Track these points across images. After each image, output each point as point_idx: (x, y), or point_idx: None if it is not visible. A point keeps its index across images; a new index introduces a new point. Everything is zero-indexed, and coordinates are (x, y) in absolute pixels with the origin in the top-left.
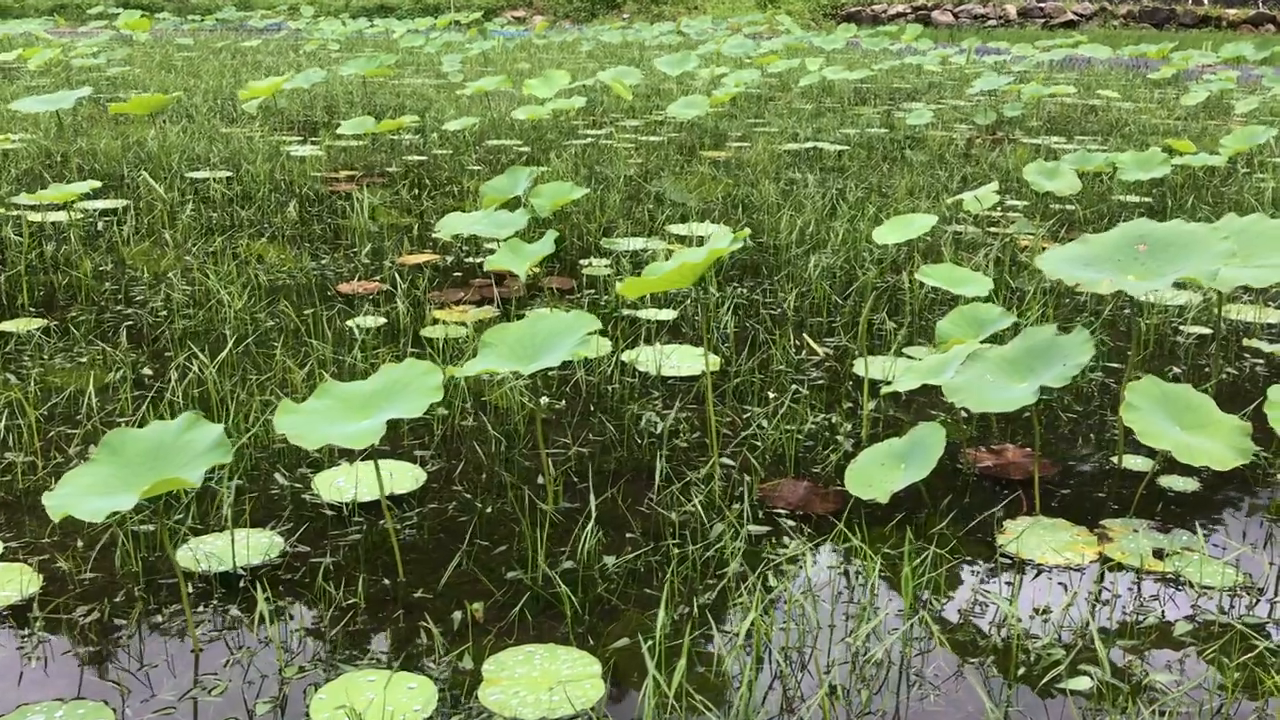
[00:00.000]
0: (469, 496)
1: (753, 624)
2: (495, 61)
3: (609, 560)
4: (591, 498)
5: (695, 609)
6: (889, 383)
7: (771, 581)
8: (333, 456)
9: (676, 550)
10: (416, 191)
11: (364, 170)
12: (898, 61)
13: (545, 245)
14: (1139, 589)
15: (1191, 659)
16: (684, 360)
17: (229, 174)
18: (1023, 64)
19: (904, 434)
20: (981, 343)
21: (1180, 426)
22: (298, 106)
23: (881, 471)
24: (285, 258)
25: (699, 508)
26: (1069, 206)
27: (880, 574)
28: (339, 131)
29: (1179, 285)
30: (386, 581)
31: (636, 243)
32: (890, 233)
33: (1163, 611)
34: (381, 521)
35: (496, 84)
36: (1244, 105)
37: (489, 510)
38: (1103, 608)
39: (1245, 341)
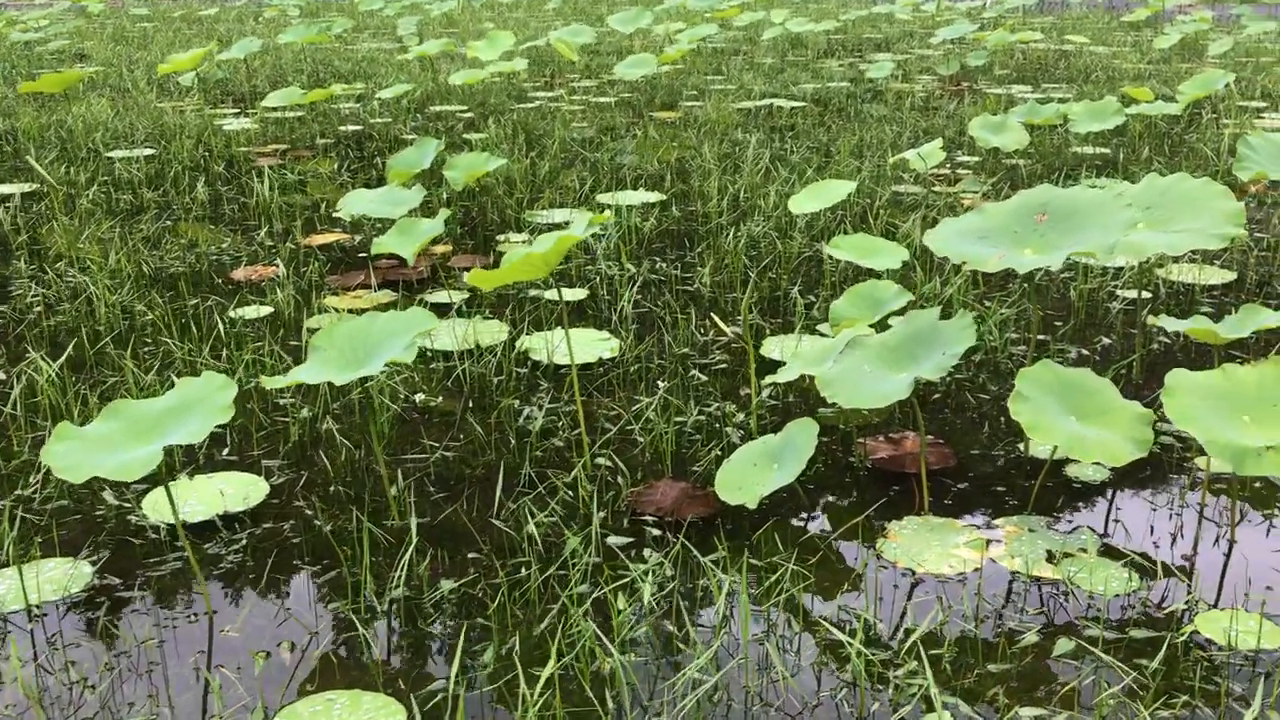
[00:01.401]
0: (310, 513)
1: (579, 653)
2: (459, 22)
3: (446, 585)
4: (416, 517)
5: (518, 641)
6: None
7: (620, 604)
8: (170, 472)
9: (526, 570)
10: (341, 164)
11: (292, 144)
12: (866, 11)
13: (435, 226)
14: (1023, 600)
15: (1060, 689)
16: (584, 345)
17: (151, 152)
18: (997, 8)
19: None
20: (875, 324)
21: (1076, 416)
22: (240, 77)
23: (754, 473)
24: (184, 241)
25: (554, 517)
26: (1022, 162)
27: (743, 590)
28: (264, 104)
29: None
30: (193, 616)
31: (560, 215)
32: (808, 200)
33: (1044, 627)
34: (209, 545)
35: (440, 47)
36: (1218, 47)
37: (329, 528)
38: (981, 623)
39: (1150, 320)
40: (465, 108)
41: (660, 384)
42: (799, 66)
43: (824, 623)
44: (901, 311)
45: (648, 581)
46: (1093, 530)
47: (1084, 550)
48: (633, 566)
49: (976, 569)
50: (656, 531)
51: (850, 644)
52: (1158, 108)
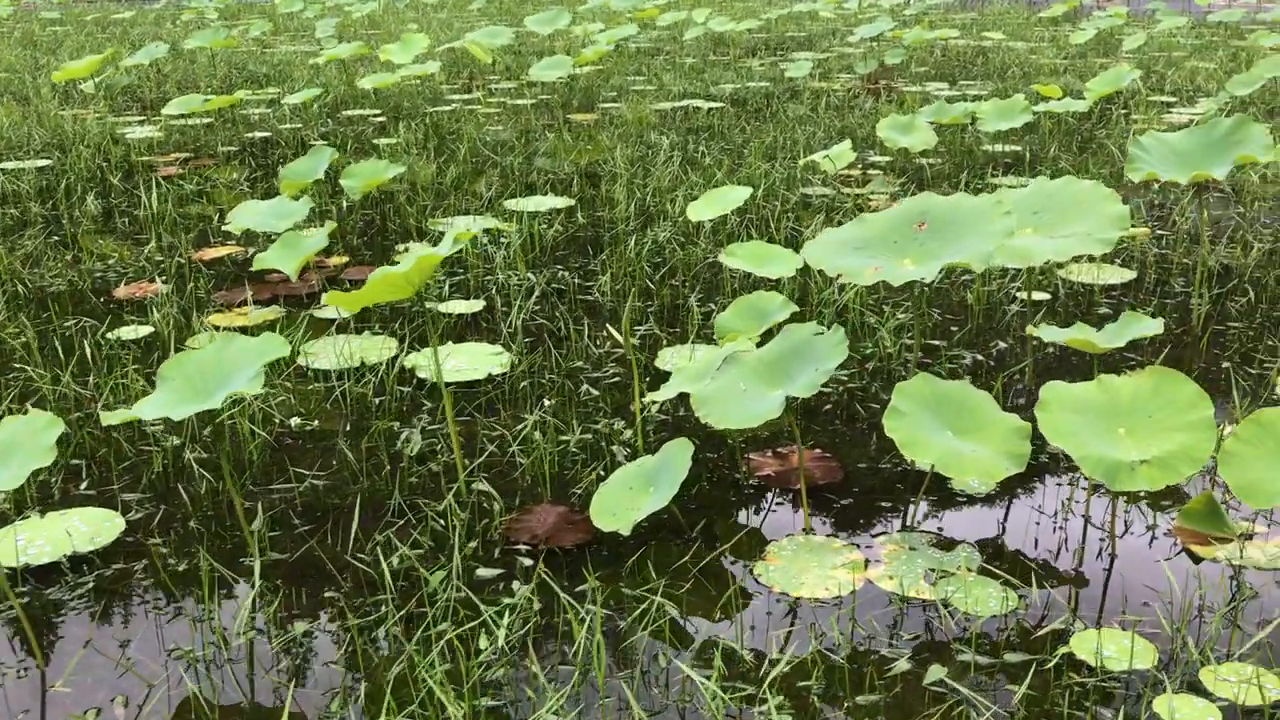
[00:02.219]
0: (165, 551)
1: (422, 702)
2: (381, 24)
3: (299, 627)
4: (278, 552)
5: (362, 691)
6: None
7: (483, 643)
8: (19, 508)
9: (386, 609)
10: (242, 173)
11: (196, 152)
12: (788, 9)
13: (318, 240)
14: (899, 624)
15: None
16: (475, 361)
17: (46, 162)
18: (919, 5)
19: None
20: (762, 337)
21: (954, 431)
22: (148, 83)
23: (628, 497)
24: (68, 258)
25: (421, 549)
26: (933, 161)
27: (597, 627)
28: (165, 111)
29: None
30: (22, 672)
31: (464, 222)
32: (705, 208)
33: (917, 653)
34: (51, 590)
35: (352, 50)
36: (1132, 41)
37: (181, 568)
38: (853, 651)
39: (1030, 330)
40: (379, 112)
41: (546, 401)
42: (721, 66)
43: (684, 659)
44: (796, 321)
45: (501, 625)
46: (974, 547)
47: (964, 568)
48: (483, 607)
49: (854, 591)
50: (529, 561)
51: (705, 685)
52: (1066, 105)
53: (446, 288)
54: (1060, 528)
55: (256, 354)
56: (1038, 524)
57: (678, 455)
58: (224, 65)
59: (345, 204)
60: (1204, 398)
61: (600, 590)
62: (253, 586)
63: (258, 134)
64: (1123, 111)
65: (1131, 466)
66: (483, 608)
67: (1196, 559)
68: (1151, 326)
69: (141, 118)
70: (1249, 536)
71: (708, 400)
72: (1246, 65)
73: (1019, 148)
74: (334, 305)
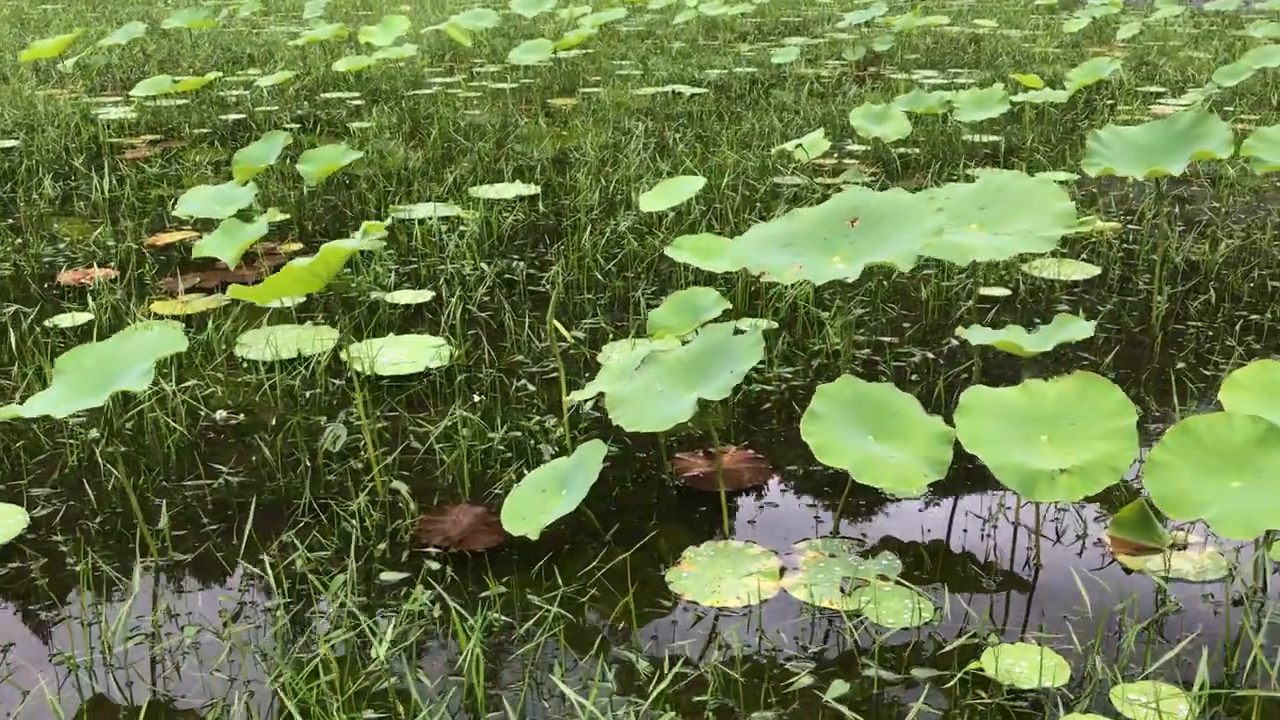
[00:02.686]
0: (65, 549)
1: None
2: (374, 4)
3: (189, 631)
4: (181, 552)
5: (243, 702)
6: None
7: (379, 651)
8: None
9: (281, 614)
10: (206, 157)
11: (167, 134)
12: None
13: (258, 228)
14: (808, 637)
15: None
16: (415, 354)
17: (13, 143)
18: None
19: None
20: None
21: (875, 435)
22: (132, 63)
23: (541, 500)
24: (18, 242)
25: (327, 551)
26: (911, 151)
27: (475, 643)
28: (134, 93)
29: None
30: None
31: (425, 209)
32: (657, 199)
33: (821, 667)
34: None
35: (332, 32)
36: (1127, 30)
37: (80, 568)
38: (756, 665)
39: (959, 331)
40: (357, 95)
41: (475, 397)
42: (711, 51)
43: (578, 670)
44: (752, 318)
45: (385, 635)
46: (897, 555)
47: (881, 578)
48: (362, 618)
49: (766, 601)
50: (438, 565)
51: (583, 705)
52: (1045, 95)
53: (394, 277)
54: (989, 535)
55: (150, 350)
56: (966, 531)
57: (590, 457)
58: (209, 45)
59: (306, 189)
60: (1128, 406)
61: (498, 598)
62: (136, 589)
63: (232, 116)
64: (1109, 102)
65: (1051, 476)
66: (361, 618)
67: (1127, 570)
68: (1083, 330)
69: (118, 98)
70: (1182, 547)
71: (622, 401)
72: (1241, 56)
73: (999, 138)
74: (238, 299)
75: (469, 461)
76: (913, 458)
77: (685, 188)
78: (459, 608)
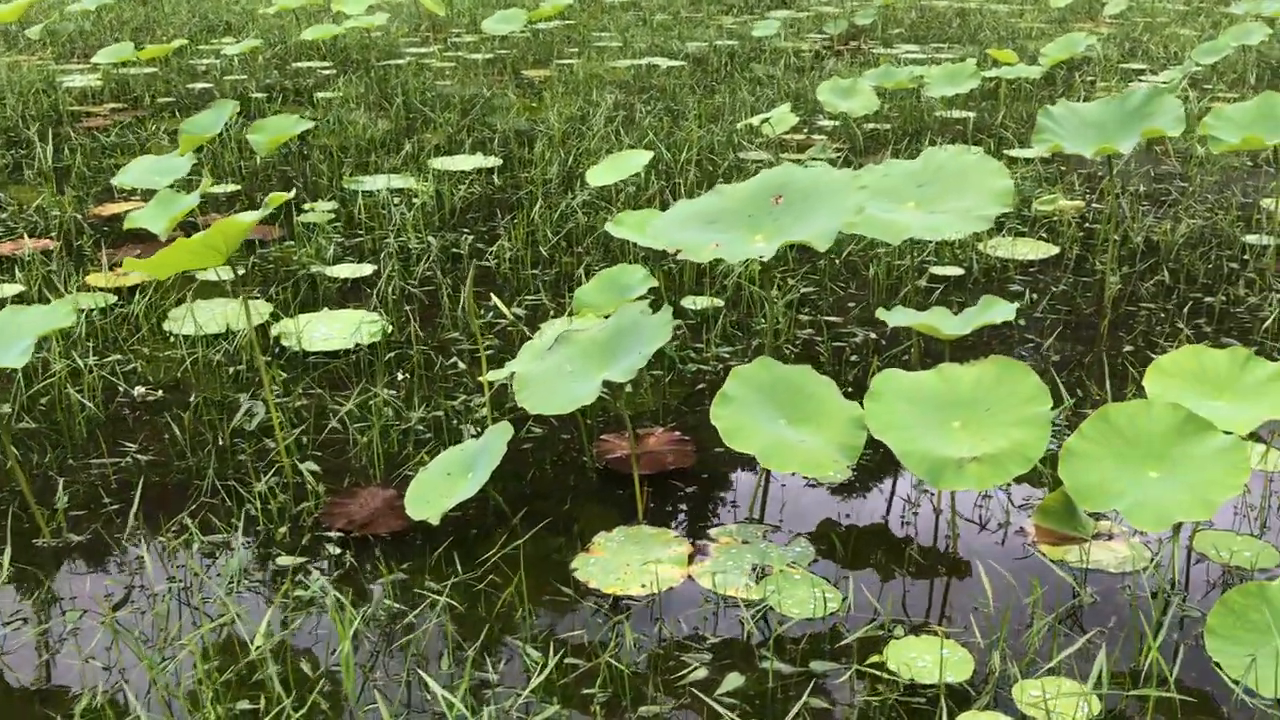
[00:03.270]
0: None
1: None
2: None
3: (72, 616)
4: (77, 533)
5: (102, 696)
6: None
7: (259, 640)
8: None
9: (164, 599)
10: (165, 126)
11: (131, 103)
12: None
13: (191, 199)
14: (712, 626)
15: None
16: (347, 329)
17: None
18: None
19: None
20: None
21: (788, 419)
22: (104, 29)
23: (446, 484)
24: None
25: (226, 534)
26: (881, 126)
27: (345, 639)
28: (95, 59)
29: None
30: None
31: (380, 181)
32: (605, 173)
33: (720, 659)
34: None
35: (303, 0)
36: (1114, 5)
37: None
38: (651, 655)
39: (879, 313)
40: (329, 64)
41: (399, 375)
42: (694, 24)
43: (464, 659)
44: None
45: (262, 629)
46: (810, 541)
47: (794, 565)
48: (233, 606)
49: (672, 588)
50: (339, 550)
51: (447, 698)
52: (1019, 71)
53: (336, 250)
54: (910, 522)
55: (34, 326)
56: (887, 517)
57: (495, 441)
58: (187, 12)
59: (260, 160)
60: (1043, 392)
61: (392, 585)
62: (4, 574)
63: (200, 85)
64: (1089, 79)
65: (959, 464)
66: (231, 607)
67: (1048, 560)
68: (1004, 312)
69: (85, 66)
70: (1109, 537)
71: (530, 382)
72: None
73: (971, 114)
74: (134, 271)
75: (386, 442)
76: (825, 443)
77: (633, 161)
78: (340, 596)
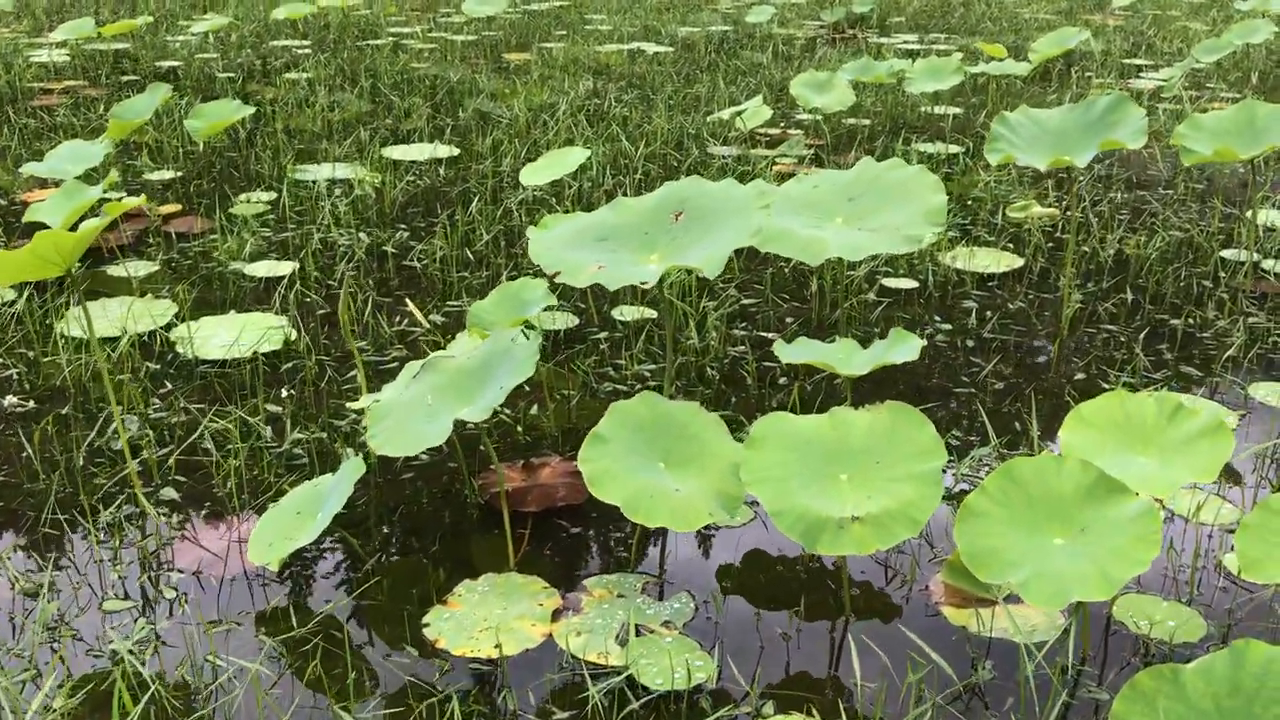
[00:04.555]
0: None
1: None
2: None
3: None
4: None
5: None
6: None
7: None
8: None
9: None
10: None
11: (94, 80)
12: None
13: (95, 191)
14: (561, 701)
15: None
16: (252, 335)
17: None
18: None
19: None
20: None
21: (666, 463)
22: (86, 2)
23: (294, 524)
24: None
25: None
26: (863, 122)
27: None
28: (53, 37)
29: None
30: None
31: (325, 171)
32: (541, 171)
33: None
34: None
35: None
36: None
37: None
38: None
39: (776, 346)
40: (307, 43)
41: (284, 391)
42: (691, 7)
43: None
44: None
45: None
46: (693, 595)
47: (669, 625)
48: (23, 665)
49: (528, 650)
50: (173, 593)
51: None
52: (1006, 67)
53: (254, 246)
54: (809, 571)
55: None
56: (781, 568)
57: (344, 478)
58: None
59: (204, 146)
60: (938, 445)
61: (213, 641)
62: None
63: (168, 64)
64: (1088, 75)
65: (840, 524)
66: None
67: (951, 624)
68: (907, 352)
69: (59, 41)
70: (1021, 599)
71: (385, 415)
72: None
73: (958, 110)
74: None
75: (257, 467)
76: (701, 492)
77: (569, 160)
78: (135, 662)
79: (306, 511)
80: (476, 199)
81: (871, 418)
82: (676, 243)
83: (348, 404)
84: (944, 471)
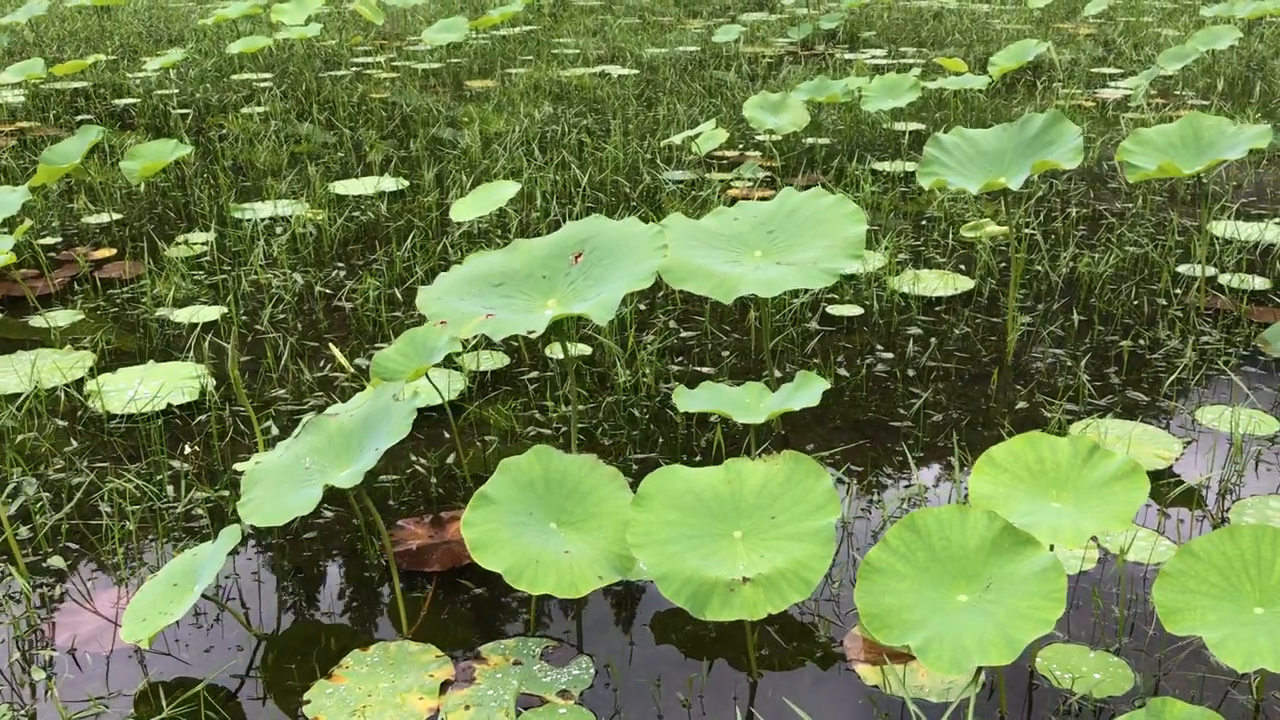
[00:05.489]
0: None
1: None
2: None
3: None
4: None
5: None
6: None
7: None
8: None
9: None
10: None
11: (45, 120)
12: None
13: (4, 243)
14: None
15: None
16: (170, 385)
17: None
18: None
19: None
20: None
21: (558, 522)
22: (50, 40)
23: (170, 596)
24: None
25: None
26: (821, 141)
27: None
28: (3, 79)
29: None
30: None
31: (268, 209)
32: (471, 206)
33: None
34: None
35: (243, 10)
36: (1095, 5)
37: None
38: None
39: (675, 393)
40: (270, 75)
41: (186, 448)
42: (661, 28)
43: None
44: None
45: None
46: (594, 660)
47: (565, 694)
48: None
49: None
50: (42, 674)
51: None
52: (964, 81)
53: (176, 291)
54: (719, 629)
55: None
56: (691, 625)
57: (219, 546)
58: (139, 22)
59: (143, 187)
60: (833, 499)
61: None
62: None
63: (125, 102)
64: (1058, 84)
65: (730, 587)
66: None
67: (865, 682)
68: (808, 398)
69: (15, 82)
70: None
71: (259, 480)
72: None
73: (922, 125)
74: None
75: (158, 530)
76: (592, 554)
77: (500, 194)
78: None
79: (184, 584)
80: (412, 234)
81: (767, 469)
82: (574, 287)
83: (235, 465)
84: (840, 525)
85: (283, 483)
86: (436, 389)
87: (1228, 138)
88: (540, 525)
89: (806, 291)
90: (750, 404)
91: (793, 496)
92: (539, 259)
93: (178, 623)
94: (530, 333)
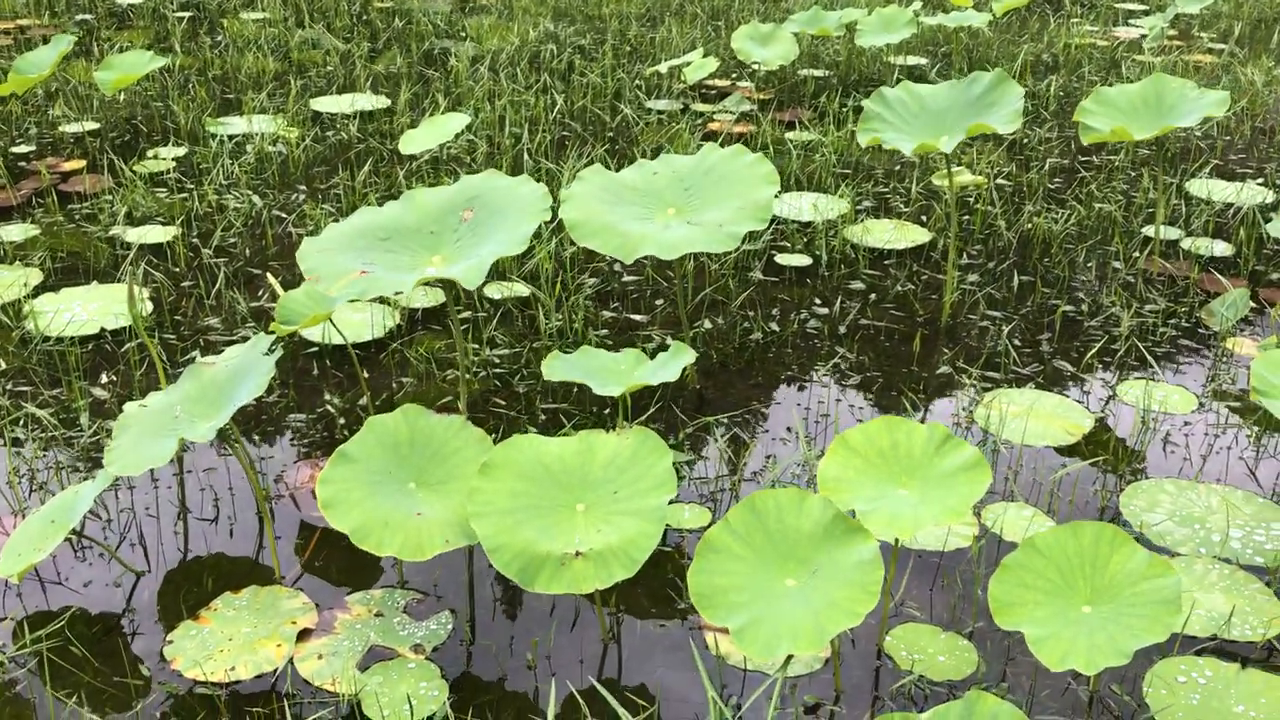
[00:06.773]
0: None
1: None
2: None
3: None
4: None
5: None
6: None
7: None
8: None
9: None
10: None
11: (37, 13)
12: None
13: None
14: None
15: None
16: (110, 309)
17: None
18: None
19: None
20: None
21: (418, 482)
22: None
23: (47, 532)
24: None
25: None
26: (817, 73)
27: None
28: None
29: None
30: None
31: (252, 123)
32: (421, 138)
33: None
34: None
35: None
36: None
37: None
38: None
39: (544, 363)
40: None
41: (103, 377)
42: None
43: None
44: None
45: None
46: (455, 615)
47: (418, 648)
48: None
49: (264, 674)
50: None
51: None
52: (964, 18)
53: (134, 209)
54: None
55: None
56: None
57: (86, 492)
58: None
59: (118, 95)
60: (669, 479)
61: None
62: None
63: (128, 1)
64: (1074, 20)
65: (561, 561)
66: None
67: (712, 653)
68: (669, 372)
69: None
70: None
71: (126, 428)
72: None
73: (924, 60)
74: None
75: (60, 462)
76: (444, 518)
77: (450, 125)
78: None
79: (60, 521)
80: (370, 160)
81: (618, 443)
82: (460, 245)
83: (124, 405)
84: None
85: (148, 431)
86: (339, 331)
87: (1189, 101)
88: (399, 485)
89: (777, 226)
90: (624, 372)
91: (636, 472)
92: (431, 214)
93: (59, 557)
94: (398, 294)
